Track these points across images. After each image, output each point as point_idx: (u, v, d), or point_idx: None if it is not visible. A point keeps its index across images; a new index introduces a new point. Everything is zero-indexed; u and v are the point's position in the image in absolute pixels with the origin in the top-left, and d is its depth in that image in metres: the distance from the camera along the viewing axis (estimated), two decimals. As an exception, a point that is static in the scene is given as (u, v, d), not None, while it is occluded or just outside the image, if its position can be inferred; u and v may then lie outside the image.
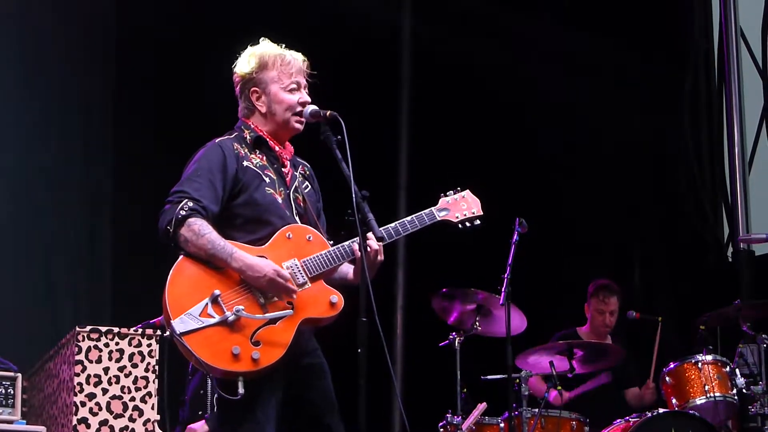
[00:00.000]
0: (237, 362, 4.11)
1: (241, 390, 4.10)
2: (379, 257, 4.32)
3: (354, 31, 8.73)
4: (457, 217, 4.60)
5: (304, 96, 4.46)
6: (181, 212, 4.18)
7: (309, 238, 4.35)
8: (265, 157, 4.43)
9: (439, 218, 4.57)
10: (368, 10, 8.95)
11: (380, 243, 4.32)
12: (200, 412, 6.17)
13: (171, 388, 5.85)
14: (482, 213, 4.64)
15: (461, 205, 4.62)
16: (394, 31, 9.34)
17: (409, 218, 4.50)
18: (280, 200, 4.37)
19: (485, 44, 9.22)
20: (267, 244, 4.29)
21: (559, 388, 6.80)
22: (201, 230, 4.17)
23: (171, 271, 4.19)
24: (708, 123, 10.00)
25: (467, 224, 4.62)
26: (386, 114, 9.14)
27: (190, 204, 4.20)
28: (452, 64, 9.19)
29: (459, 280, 7.04)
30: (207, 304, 4.15)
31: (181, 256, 4.21)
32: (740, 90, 9.62)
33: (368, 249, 4.26)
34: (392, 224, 4.46)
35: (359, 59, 8.79)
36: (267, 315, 4.18)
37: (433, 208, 4.57)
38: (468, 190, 4.67)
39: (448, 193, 4.64)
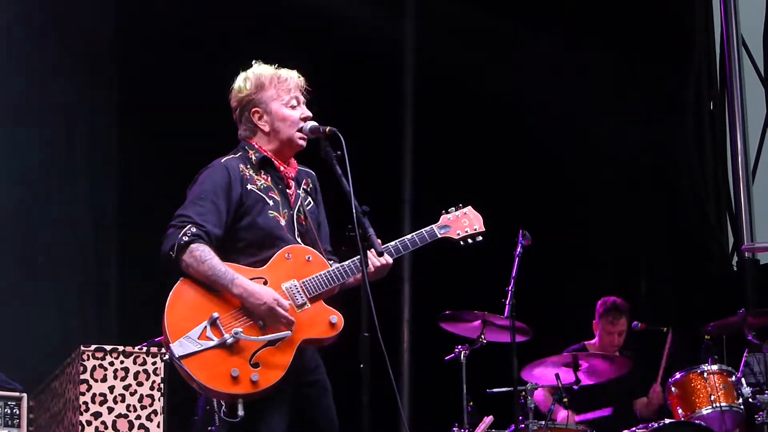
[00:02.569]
0: (236, 385, 4.11)
1: (240, 412, 4.09)
2: (385, 269, 4.34)
3: (356, 44, 8.73)
4: (458, 234, 4.60)
5: (305, 111, 4.44)
6: (183, 238, 4.17)
7: (308, 258, 4.33)
8: (270, 178, 4.41)
9: (439, 235, 4.56)
10: (370, 23, 8.96)
11: (381, 259, 4.32)
12: (210, 428, 6.17)
13: (177, 406, 5.86)
14: (484, 229, 4.64)
15: (462, 222, 4.61)
16: (397, 44, 9.34)
17: (409, 236, 4.49)
18: (283, 222, 4.35)
19: (487, 56, 9.22)
20: (266, 265, 4.28)
21: (565, 400, 6.78)
22: (202, 256, 4.16)
23: (170, 295, 4.19)
24: (711, 132, 9.99)
25: (468, 241, 4.61)
26: (389, 127, 9.14)
27: (193, 230, 4.19)
28: (455, 77, 9.19)
29: (465, 294, 7.02)
30: (206, 327, 4.15)
31: (179, 280, 4.21)
32: (742, 98, 9.62)
33: (372, 266, 4.26)
34: (392, 243, 4.44)
35: (362, 72, 8.80)
36: (265, 337, 4.17)
37: (433, 226, 4.57)
38: (470, 207, 4.67)
39: (449, 210, 4.63)
